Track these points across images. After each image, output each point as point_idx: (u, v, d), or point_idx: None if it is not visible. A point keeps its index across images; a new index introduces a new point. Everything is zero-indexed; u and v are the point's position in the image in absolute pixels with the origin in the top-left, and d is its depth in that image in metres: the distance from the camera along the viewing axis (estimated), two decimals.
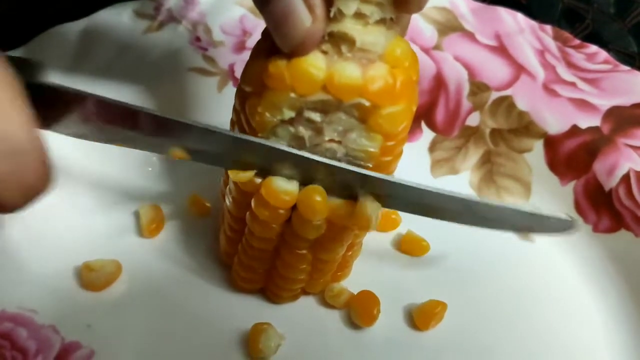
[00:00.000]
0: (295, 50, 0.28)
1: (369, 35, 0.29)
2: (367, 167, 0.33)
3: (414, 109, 0.32)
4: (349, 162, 0.33)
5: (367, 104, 0.30)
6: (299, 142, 0.32)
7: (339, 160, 0.33)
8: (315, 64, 0.29)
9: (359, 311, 0.38)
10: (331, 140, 0.32)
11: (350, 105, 0.30)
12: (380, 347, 0.38)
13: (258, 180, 0.33)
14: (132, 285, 0.40)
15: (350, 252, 0.39)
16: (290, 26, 0.27)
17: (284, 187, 0.32)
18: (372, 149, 0.32)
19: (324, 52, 0.29)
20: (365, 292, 0.39)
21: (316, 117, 0.31)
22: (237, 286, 0.40)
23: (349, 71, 0.29)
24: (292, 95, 0.30)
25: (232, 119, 0.35)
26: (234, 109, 0.35)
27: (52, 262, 0.39)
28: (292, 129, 0.31)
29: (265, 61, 0.30)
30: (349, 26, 0.28)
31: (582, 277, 0.42)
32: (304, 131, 0.31)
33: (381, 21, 0.29)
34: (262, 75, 0.30)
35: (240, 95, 0.33)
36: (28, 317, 0.37)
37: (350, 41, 0.29)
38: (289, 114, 0.30)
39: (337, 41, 0.29)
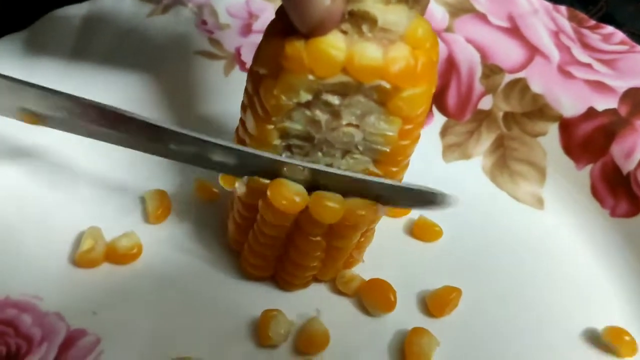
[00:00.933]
0: (314, 30, 0.27)
1: (390, 14, 0.28)
2: (384, 152, 0.32)
3: (433, 90, 0.31)
4: (366, 148, 0.32)
5: (387, 86, 0.29)
6: (315, 126, 0.31)
7: (356, 146, 0.32)
8: (335, 44, 0.28)
9: (375, 298, 0.37)
10: (349, 125, 0.31)
11: (370, 87, 0.29)
12: (394, 335, 0.37)
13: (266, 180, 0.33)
14: (139, 272, 0.39)
15: (363, 238, 0.38)
16: (308, 4, 0.26)
17: (292, 190, 0.32)
18: (390, 133, 0.31)
19: (344, 32, 0.28)
20: (376, 279, 0.38)
21: (334, 100, 0.30)
22: (246, 273, 0.39)
23: (369, 52, 0.28)
24: (310, 77, 0.28)
25: (243, 103, 0.34)
26: (246, 92, 0.33)
27: (57, 248, 0.39)
28: (308, 113, 0.30)
29: (281, 42, 0.29)
30: (370, 4, 0.27)
31: (599, 262, 0.41)
32: (320, 115, 0.30)
33: (403, 0, 0.28)
34: (278, 57, 0.29)
35: (253, 77, 0.32)
36: (32, 303, 0.36)
37: (371, 20, 0.27)
38: (305, 96, 0.29)
39: (358, 20, 0.28)
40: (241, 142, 0.34)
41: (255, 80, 0.31)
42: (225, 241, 0.40)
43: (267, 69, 0.30)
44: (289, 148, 0.32)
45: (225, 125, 0.46)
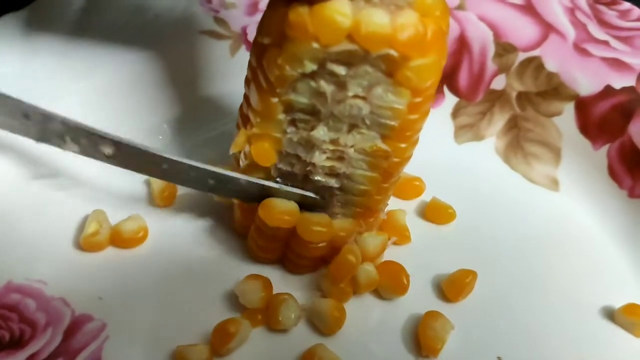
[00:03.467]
0: None
1: None
2: (392, 127, 0.31)
3: (443, 63, 0.30)
4: (373, 122, 0.31)
5: (395, 55, 0.28)
6: (320, 98, 0.30)
7: (363, 119, 0.31)
8: (341, 10, 0.27)
9: (387, 281, 0.36)
10: (355, 97, 0.30)
11: (377, 56, 0.28)
12: (408, 319, 0.36)
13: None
14: (145, 256, 0.38)
15: (372, 219, 0.37)
16: None
17: (283, 209, 0.34)
18: (398, 106, 0.30)
19: None
20: (389, 262, 0.37)
21: (340, 70, 0.29)
22: (254, 256, 0.38)
23: (377, 18, 0.27)
24: (315, 45, 0.28)
25: (246, 77, 0.33)
26: (250, 66, 0.33)
27: (61, 232, 0.38)
28: (313, 84, 0.29)
29: (285, 9, 0.28)
30: None
31: (616, 244, 0.41)
32: (326, 86, 0.29)
33: None
34: (282, 25, 0.28)
35: (257, 49, 0.31)
36: (37, 288, 0.35)
37: None
38: (310, 66, 0.28)
39: None
40: (244, 118, 0.34)
41: (259, 52, 0.30)
42: (231, 224, 0.39)
43: (271, 39, 0.29)
44: (293, 122, 0.32)
45: (230, 106, 0.45)
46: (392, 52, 0.28)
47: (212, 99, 0.45)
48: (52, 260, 0.37)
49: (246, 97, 0.33)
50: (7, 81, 0.39)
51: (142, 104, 0.43)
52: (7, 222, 0.37)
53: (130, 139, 0.34)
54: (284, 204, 0.34)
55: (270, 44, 0.29)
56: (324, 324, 0.35)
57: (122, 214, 0.39)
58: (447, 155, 0.44)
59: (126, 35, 0.43)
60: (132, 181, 0.41)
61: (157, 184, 0.40)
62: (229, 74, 0.45)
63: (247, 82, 0.33)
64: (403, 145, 0.32)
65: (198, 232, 0.39)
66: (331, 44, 0.27)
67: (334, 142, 0.32)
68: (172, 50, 0.44)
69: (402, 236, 0.39)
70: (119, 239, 0.38)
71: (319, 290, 0.37)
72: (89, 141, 0.34)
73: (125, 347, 0.34)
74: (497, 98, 0.46)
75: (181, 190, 0.41)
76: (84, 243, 0.37)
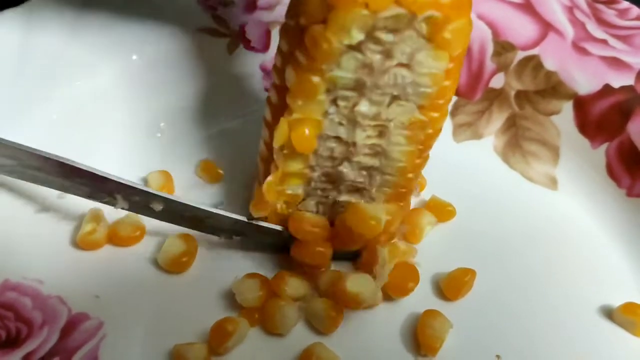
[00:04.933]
0: None
1: None
2: (428, 95, 0.32)
3: (471, 31, 0.31)
4: (413, 91, 0.32)
5: (439, 16, 0.29)
6: (366, 70, 0.30)
7: (405, 88, 0.31)
8: None
9: (394, 282, 0.36)
10: (399, 65, 0.31)
11: (422, 19, 0.29)
12: (407, 317, 0.36)
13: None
14: (142, 254, 0.38)
15: (403, 202, 0.37)
16: None
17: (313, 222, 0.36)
18: (437, 71, 0.31)
19: None
20: (405, 264, 0.37)
21: (388, 37, 0.29)
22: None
23: None
24: (364, 12, 0.28)
25: (274, 65, 0.34)
26: (279, 52, 0.33)
27: (58, 230, 0.38)
28: (359, 56, 0.30)
29: None
30: None
31: (615, 243, 0.41)
32: (372, 56, 0.30)
33: None
34: (322, 1, 0.28)
35: (290, 32, 0.32)
36: (33, 287, 0.35)
37: None
38: (358, 36, 0.29)
39: None
40: (275, 109, 0.34)
41: (293, 34, 0.31)
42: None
43: (309, 17, 0.30)
44: (334, 102, 0.32)
45: (228, 104, 0.45)
46: (436, 13, 0.29)
47: (210, 97, 0.45)
48: (49, 259, 0.36)
49: (277, 87, 0.33)
50: (5, 80, 0.39)
51: (140, 102, 0.43)
52: (4, 221, 0.37)
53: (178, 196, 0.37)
54: (313, 218, 0.36)
55: (309, 22, 0.30)
56: (321, 324, 0.35)
57: (119, 212, 0.38)
58: (446, 153, 0.44)
59: (123, 33, 0.43)
60: (129, 179, 0.40)
61: (155, 182, 0.40)
62: (227, 72, 0.45)
63: (278, 70, 0.33)
64: (436, 115, 0.33)
65: (195, 230, 0.39)
66: (380, 9, 0.28)
67: (375, 117, 0.32)
68: (170, 47, 0.44)
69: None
70: (116, 237, 0.38)
71: (316, 290, 0.37)
72: (140, 199, 0.36)
73: (122, 345, 0.34)
74: (495, 97, 0.46)
75: (178, 188, 0.41)
76: (81, 241, 0.37)
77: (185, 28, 0.45)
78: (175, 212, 0.36)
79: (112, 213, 0.38)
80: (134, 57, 0.43)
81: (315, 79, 0.31)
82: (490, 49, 0.45)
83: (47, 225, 0.38)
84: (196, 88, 0.45)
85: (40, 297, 0.35)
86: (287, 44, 0.32)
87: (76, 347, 0.33)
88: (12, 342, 0.33)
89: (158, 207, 0.36)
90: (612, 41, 0.44)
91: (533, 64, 0.45)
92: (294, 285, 0.36)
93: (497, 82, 0.45)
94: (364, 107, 0.32)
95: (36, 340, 0.33)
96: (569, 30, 0.45)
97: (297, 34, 0.30)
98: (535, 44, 0.45)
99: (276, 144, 0.33)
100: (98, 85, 0.42)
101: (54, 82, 0.40)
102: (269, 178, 0.34)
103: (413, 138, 0.34)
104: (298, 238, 0.36)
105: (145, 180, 0.41)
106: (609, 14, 0.45)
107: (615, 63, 0.43)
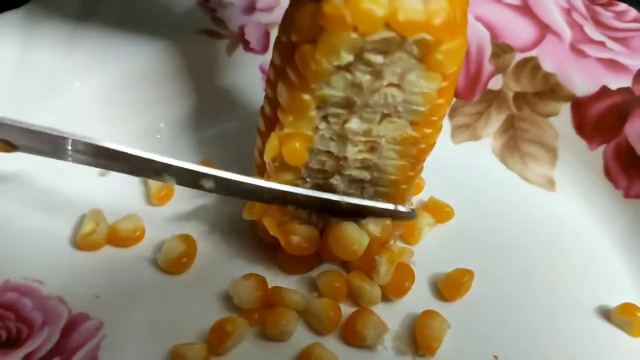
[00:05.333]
0: None
1: None
2: (421, 112, 0.32)
3: (466, 46, 0.31)
4: (405, 109, 0.32)
5: (430, 39, 0.29)
6: (355, 89, 0.30)
7: (396, 107, 0.31)
8: None
9: (392, 283, 0.36)
10: (390, 85, 0.30)
11: (412, 42, 0.29)
12: (405, 318, 0.36)
13: None
14: (142, 255, 0.38)
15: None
16: None
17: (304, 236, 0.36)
18: (429, 91, 0.31)
19: None
20: (403, 264, 0.37)
21: (377, 59, 0.29)
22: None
23: (411, 5, 0.28)
24: (353, 35, 0.28)
25: (268, 78, 0.34)
26: (272, 66, 0.33)
27: (58, 231, 0.38)
28: (348, 76, 0.30)
29: (313, 5, 0.28)
30: None
31: (612, 244, 0.41)
32: (361, 77, 0.30)
33: None
34: (314, 20, 0.28)
35: (283, 48, 0.31)
36: (34, 287, 0.35)
37: None
38: (347, 57, 0.29)
39: None
40: (269, 121, 0.34)
41: (285, 50, 0.31)
42: (229, 222, 0.39)
43: (301, 35, 0.29)
44: (325, 118, 0.32)
45: (227, 105, 0.45)
46: (427, 36, 0.28)
47: (209, 98, 0.45)
48: (49, 259, 0.36)
49: (269, 99, 0.34)
50: (5, 81, 0.39)
51: (140, 102, 0.43)
52: (4, 221, 0.37)
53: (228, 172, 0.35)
54: (304, 231, 0.35)
55: (299, 40, 0.30)
56: (319, 324, 0.35)
57: (120, 213, 0.39)
58: (444, 155, 0.43)
59: (124, 34, 0.43)
60: (129, 180, 0.41)
61: (154, 183, 0.40)
62: (226, 73, 0.45)
63: (271, 83, 0.33)
64: (429, 131, 0.33)
65: (194, 231, 0.39)
66: (369, 32, 0.28)
67: (366, 133, 0.32)
68: (170, 49, 0.44)
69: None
70: (116, 238, 0.38)
71: (315, 290, 0.37)
72: (189, 177, 0.35)
73: (122, 346, 0.34)
74: (494, 98, 0.46)
75: (178, 189, 0.41)
76: (81, 242, 0.37)
77: (184, 29, 0.45)
78: (229, 187, 0.35)
79: (113, 214, 0.38)
80: (134, 59, 0.43)
81: (306, 97, 0.31)
82: (488, 50, 0.46)
83: (47, 226, 0.38)
84: (196, 89, 0.45)
85: (40, 298, 0.35)
86: (280, 58, 0.32)
87: (76, 347, 0.33)
88: (13, 342, 0.33)
89: (209, 184, 0.35)
90: (609, 43, 0.44)
91: (531, 65, 0.45)
92: (293, 299, 0.35)
93: (495, 83, 0.46)
94: (354, 124, 0.32)
95: (36, 341, 0.33)
96: (567, 32, 0.45)
97: (289, 50, 0.30)
98: (533, 45, 0.45)
99: (267, 158, 0.33)
100: (98, 87, 0.42)
101: (54, 84, 0.41)
102: None
103: (405, 153, 0.34)
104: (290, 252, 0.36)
105: (145, 181, 0.41)
106: (607, 16, 0.45)
107: (613, 65, 0.43)
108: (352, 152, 0.33)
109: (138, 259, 0.38)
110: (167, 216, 0.40)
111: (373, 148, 0.33)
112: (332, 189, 0.35)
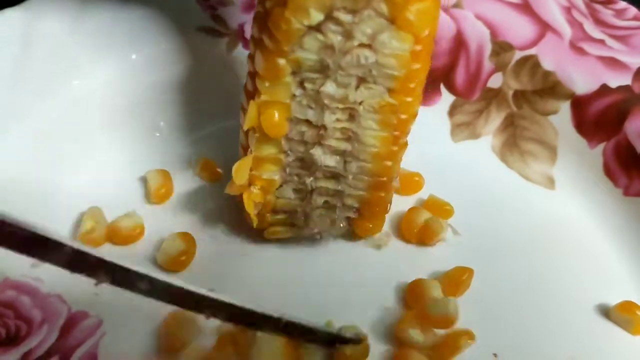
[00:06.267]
0: None
1: None
2: (398, 78, 0.32)
3: (439, 12, 0.31)
4: (379, 74, 0.32)
5: None
6: (328, 51, 0.31)
7: (370, 71, 0.31)
8: None
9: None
10: (361, 45, 0.30)
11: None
12: None
13: None
14: (141, 253, 0.38)
15: (384, 193, 0.37)
16: None
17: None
18: (402, 52, 0.31)
19: None
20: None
21: (347, 18, 0.29)
22: None
23: None
24: None
25: (249, 54, 0.34)
26: (252, 40, 0.33)
27: (58, 230, 0.37)
28: (320, 37, 0.30)
29: None
30: None
31: (611, 242, 0.41)
32: (333, 37, 0.30)
33: None
34: None
35: (259, 18, 0.32)
36: (33, 285, 0.35)
37: None
38: (317, 16, 0.29)
39: None
40: (249, 95, 0.34)
41: (262, 19, 0.31)
42: (227, 222, 0.39)
43: (272, 1, 0.30)
44: (301, 84, 0.32)
45: (226, 103, 0.45)
46: None
47: (209, 96, 0.45)
48: None
49: (250, 74, 0.34)
50: (5, 78, 0.39)
51: (139, 101, 0.43)
52: None
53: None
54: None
55: (272, 6, 0.30)
56: None
57: (118, 211, 0.39)
58: (444, 153, 0.44)
59: (123, 32, 0.43)
60: (128, 178, 0.41)
61: (154, 181, 0.40)
62: (226, 71, 0.45)
63: (251, 57, 0.33)
64: (409, 99, 0.33)
65: (193, 229, 0.39)
66: None
67: (343, 100, 0.32)
68: (170, 47, 0.44)
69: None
70: (115, 236, 0.38)
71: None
72: (123, 277, 0.31)
73: (121, 343, 0.34)
74: (493, 96, 0.46)
75: (177, 187, 0.41)
76: (81, 240, 0.37)
77: (184, 27, 0.45)
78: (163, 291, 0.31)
79: (112, 212, 0.38)
80: (133, 56, 0.43)
81: (281, 60, 0.31)
82: (488, 48, 0.45)
83: (46, 224, 0.38)
84: (195, 87, 0.45)
85: (39, 295, 0.35)
86: (257, 28, 0.32)
87: (76, 345, 0.34)
88: (12, 340, 0.33)
89: (143, 286, 0.31)
90: (609, 41, 0.44)
91: (531, 63, 0.45)
92: None
93: (495, 81, 0.45)
94: (330, 87, 0.32)
95: (36, 338, 0.33)
96: (567, 30, 0.45)
97: (264, 18, 0.31)
98: (533, 44, 0.45)
99: (246, 127, 0.33)
100: (97, 84, 0.42)
101: (54, 81, 0.40)
102: (241, 160, 0.34)
103: (385, 122, 0.33)
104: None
105: (144, 179, 0.41)
106: (607, 14, 0.45)
107: (613, 63, 0.43)
108: (331, 120, 0.33)
109: (137, 257, 0.38)
110: (166, 214, 0.40)
111: (351, 116, 0.33)
112: (314, 162, 0.35)
